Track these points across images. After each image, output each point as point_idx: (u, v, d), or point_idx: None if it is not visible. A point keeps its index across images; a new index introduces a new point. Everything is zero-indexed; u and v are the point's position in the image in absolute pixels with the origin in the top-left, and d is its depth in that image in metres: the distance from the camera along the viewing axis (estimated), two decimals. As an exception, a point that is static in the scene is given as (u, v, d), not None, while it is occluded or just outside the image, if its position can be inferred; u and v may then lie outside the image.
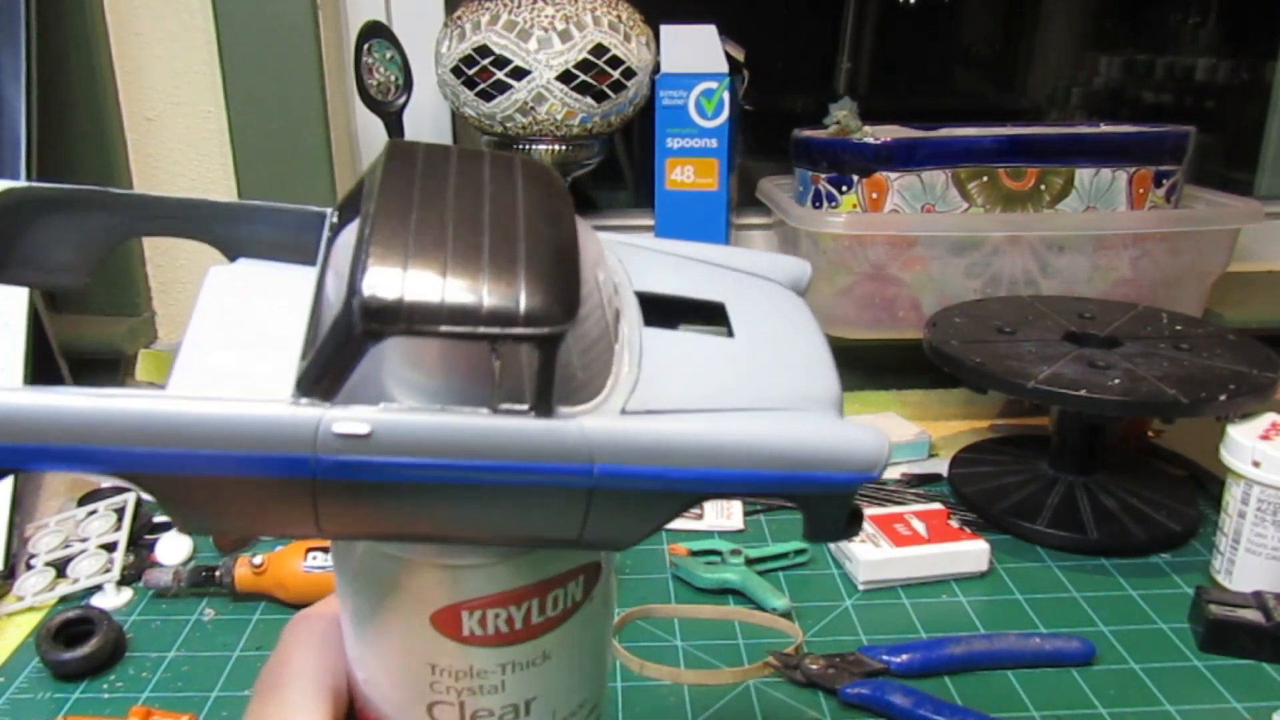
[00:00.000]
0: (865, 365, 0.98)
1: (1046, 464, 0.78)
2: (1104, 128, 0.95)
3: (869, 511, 0.70)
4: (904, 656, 0.57)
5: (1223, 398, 0.65)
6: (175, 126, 0.95)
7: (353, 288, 0.23)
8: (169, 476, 0.24)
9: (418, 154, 0.27)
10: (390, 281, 0.23)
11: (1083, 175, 0.89)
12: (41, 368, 0.77)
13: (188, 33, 0.92)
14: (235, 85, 0.92)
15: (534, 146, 0.93)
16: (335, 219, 0.30)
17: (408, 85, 0.96)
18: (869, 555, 0.65)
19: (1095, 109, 1.26)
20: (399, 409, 0.24)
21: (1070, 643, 0.58)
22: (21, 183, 0.30)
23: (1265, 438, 0.62)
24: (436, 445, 0.24)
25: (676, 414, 0.26)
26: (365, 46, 0.93)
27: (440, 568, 0.27)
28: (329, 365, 0.24)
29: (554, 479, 0.25)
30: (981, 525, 0.72)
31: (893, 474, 0.81)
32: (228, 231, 0.31)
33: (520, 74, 0.88)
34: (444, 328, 0.23)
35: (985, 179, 0.89)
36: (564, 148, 0.93)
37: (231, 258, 0.32)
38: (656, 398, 0.26)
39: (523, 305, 0.23)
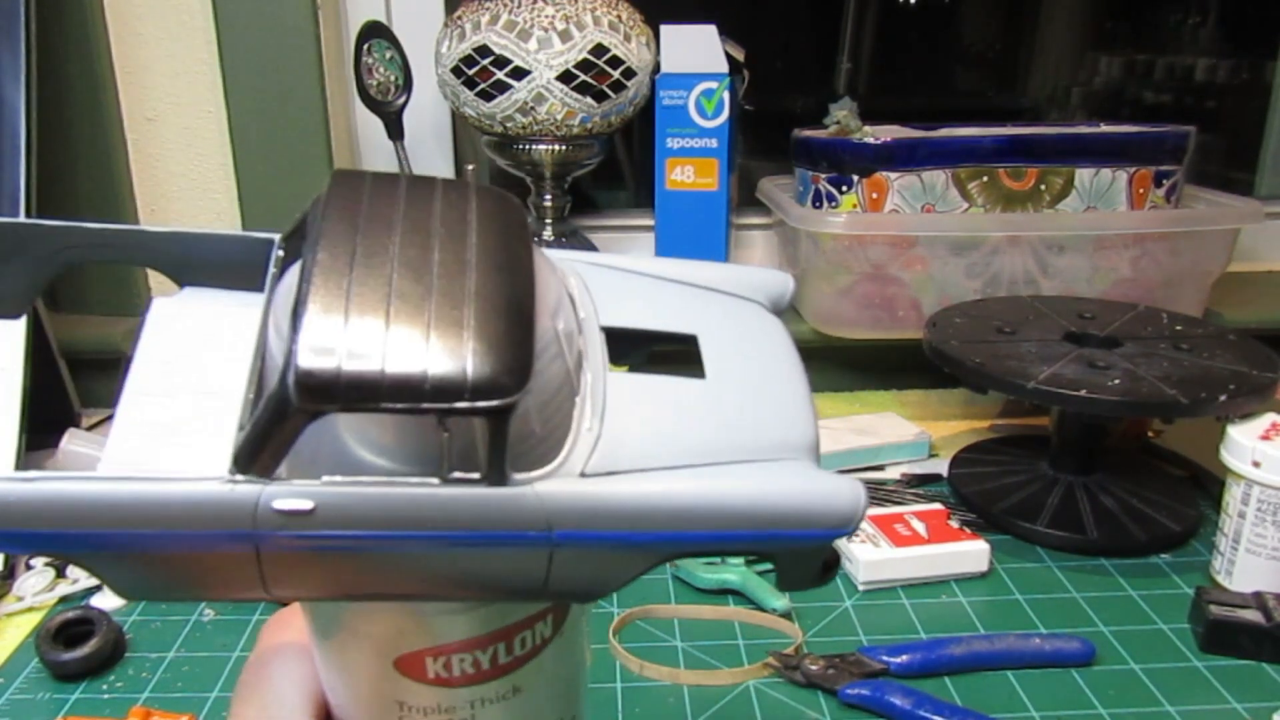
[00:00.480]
0: (865, 365, 0.98)
1: (1046, 464, 0.78)
2: (1104, 128, 0.95)
3: (869, 512, 0.70)
4: (904, 657, 0.57)
5: (1223, 398, 0.65)
6: (175, 126, 0.95)
7: (288, 362, 0.22)
8: (102, 554, 0.23)
9: (364, 189, 0.26)
10: (327, 355, 0.22)
11: (1083, 175, 0.89)
12: (41, 368, 0.77)
13: (188, 33, 0.92)
14: (235, 85, 0.92)
15: (534, 146, 0.93)
16: (281, 252, 0.29)
17: (408, 85, 0.96)
18: (869, 555, 0.65)
19: (1095, 109, 1.26)
20: (342, 482, 0.23)
21: (1070, 643, 0.58)
22: None
23: (1265, 438, 0.62)
24: (384, 518, 0.23)
25: (640, 474, 0.25)
26: (365, 46, 0.93)
27: (400, 616, 0.26)
28: (265, 441, 0.23)
29: (510, 546, 0.24)
30: (981, 525, 0.72)
31: (893, 474, 0.81)
32: (170, 259, 0.31)
33: (520, 74, 0.88)
34: (385, 404, 0.22)
35: (985, 179, 0.89)
36: (564, 148, 0.94)
37: (181, 283, 0.31)
38: (619, 457, 0.25)
39: (470, 376, 0.22)
